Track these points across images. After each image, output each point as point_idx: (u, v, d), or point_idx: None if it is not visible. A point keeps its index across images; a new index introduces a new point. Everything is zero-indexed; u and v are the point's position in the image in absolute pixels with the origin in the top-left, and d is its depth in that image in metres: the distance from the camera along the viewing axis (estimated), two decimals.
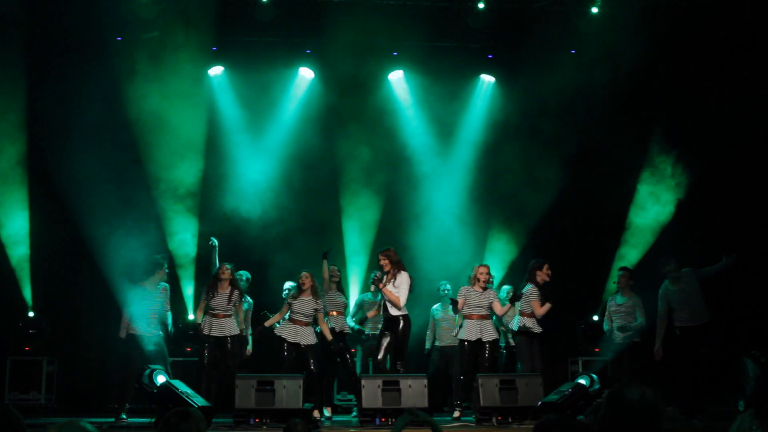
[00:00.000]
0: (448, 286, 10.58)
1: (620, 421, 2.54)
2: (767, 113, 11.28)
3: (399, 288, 9.18)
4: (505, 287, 10.50)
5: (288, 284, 10.15)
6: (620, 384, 2.65)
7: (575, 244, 12.09)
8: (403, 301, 9.17)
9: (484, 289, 9.52)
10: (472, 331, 9.37)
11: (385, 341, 9.22)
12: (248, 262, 11.42)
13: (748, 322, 11.19)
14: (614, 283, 10.18)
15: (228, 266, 9.42)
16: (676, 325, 9.67)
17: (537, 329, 9.47)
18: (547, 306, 9.46)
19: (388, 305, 9.22)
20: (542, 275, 9.61)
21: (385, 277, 9.24)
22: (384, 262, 9.28)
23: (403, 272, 9.25)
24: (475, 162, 12.57)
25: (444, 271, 11.17)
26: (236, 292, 9.37)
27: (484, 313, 9.46)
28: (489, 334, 9.41)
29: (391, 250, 9.40)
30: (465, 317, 9.47)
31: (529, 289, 9.56)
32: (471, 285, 9.58)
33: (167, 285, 9.67)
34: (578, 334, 11.58)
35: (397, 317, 9.18)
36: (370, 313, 10.31)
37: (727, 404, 9.75)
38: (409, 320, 9.27)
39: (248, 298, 10.09)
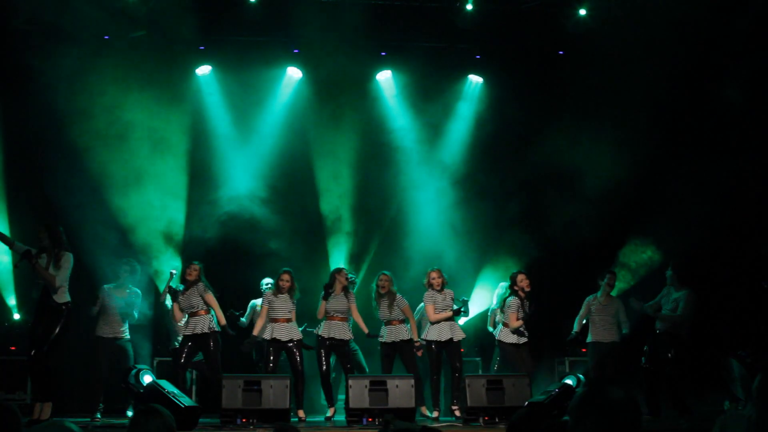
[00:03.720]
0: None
1: (606, 422, 2.54)
2: (748, 106, 11.35)
3: (60, 268, 8.36)
4: (504, 284, 10.40)
5: (266, 280, 10.29)
6: (598, 384, 2.65)
7: (562, 245, 12.11)
8: (59, 282, 8.34)
9: (441, 290, 9.68)
10: (442, 331, 9.54)
11: (39, 331, 8.35)
12: (234, 260, 11.44)
13: (732, 323, 11.24)
14: (601, 282, 10.15)
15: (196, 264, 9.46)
16: (655, 328, 9.77)
17: (519, 341, 9.62)
18: (519, 322, 9.60)
19: (51, 292, 8.34)
20: (518, 286, 9.71)
21: (45, 255, 8.38)
22: (41, 234, 8.42)
23: (67, 252, 8.46)
24: (463, 162, 12.56)
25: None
26: (200, 285, 9.35)
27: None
28: (459, 333, 9.59)
29: (54, 228, 8.52)
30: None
31: (510, 300, 9.72)
32: (430, 289, 9.72)
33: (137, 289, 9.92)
34: (565, 335, 11.59)
35: (58, 306, 8.36)
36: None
37: (713, 405, 9.80)
38: (69, 309, 8.46)
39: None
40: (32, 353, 8.32)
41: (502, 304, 9.90)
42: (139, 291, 9.96)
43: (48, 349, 8.33)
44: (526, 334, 9.73)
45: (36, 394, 8.50)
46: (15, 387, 10.46)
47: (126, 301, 9.72)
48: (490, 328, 10.48)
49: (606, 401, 2.53)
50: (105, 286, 9.83)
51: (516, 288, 9.76)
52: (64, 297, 8.47)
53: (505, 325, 9.71)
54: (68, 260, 8.49)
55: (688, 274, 9.88)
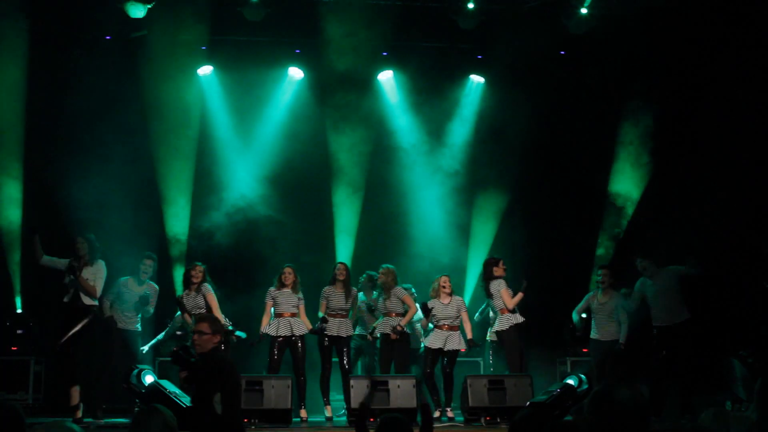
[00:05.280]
0: (413, 290, 10.57)
1: (610, 422, 2.54)
2: (749, 107, 11.34)
3: (96, 277, 8.85)
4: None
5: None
6: (606, 384, 2.65)
7: (562, 245, 12.12)
8: (99, 293, 8.88)
9: (450, 296, 9.64)
10: (437, 339, 9.50)
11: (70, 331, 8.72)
12: (236, 260, 11.44)
13: (734, 323, 11.23)
14: (597, 282, 10.17)
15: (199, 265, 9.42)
16: (654, 325, 9.71)
17: (520, 319, 9.57)
18: (520, 295, 9.55)
19: (81, 295, 8.79)
20: (499, 271, 9.70)
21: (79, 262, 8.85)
22: (81, 245, 8.86)
23: (100, 261, 8.91)
24: (464, 162, 12.56)
25: (432, 270, 11.15)
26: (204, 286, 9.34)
27: (452, 324, 9.58)
28: (453, 344, 9.50)
29: (86, 237, 8.93)
30: (435, 326, 9.62)
31: (494, 284, 9.64)
32: (436, 297, 9.65)
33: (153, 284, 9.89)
34: (566, 335, 11.59)
35: (86, 307, 8.77)
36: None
37: (716, 405, 9.77)
38: (95, 314, 8.89)
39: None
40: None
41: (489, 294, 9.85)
42: (157, 286, 9.93)
43: (65, 341, 8.58)
44: (521, 317, 9.68)
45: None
46: (16, 387, 10.47)
47: (143, 295, 9.67)
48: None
49: (612, 402, 2.53)
50: (121, 278, 9.73)
51: (495, 273, 9.72)
52: (92, 300, 8.82)
53: (502, 312, 9.65)
54: (103, 270, 8.90)
55: (660, 257, 9.87)
